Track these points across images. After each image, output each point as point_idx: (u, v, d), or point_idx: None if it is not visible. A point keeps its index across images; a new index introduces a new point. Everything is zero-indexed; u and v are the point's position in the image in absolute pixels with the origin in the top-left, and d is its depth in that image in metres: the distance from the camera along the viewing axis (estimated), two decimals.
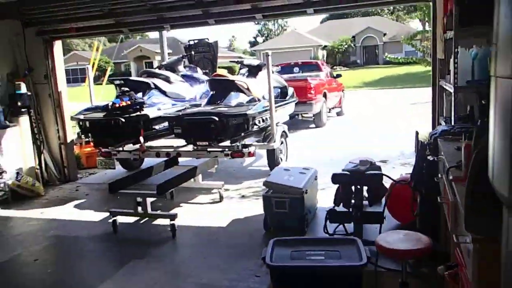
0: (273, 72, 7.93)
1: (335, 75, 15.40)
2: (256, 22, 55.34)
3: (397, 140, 9.18)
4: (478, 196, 1.79)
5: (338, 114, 15.40)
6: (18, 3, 5.26)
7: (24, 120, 7.33)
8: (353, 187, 4.60)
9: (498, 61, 1.49)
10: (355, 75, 32.24)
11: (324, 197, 5.61)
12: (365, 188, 4.71)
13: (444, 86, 4.77)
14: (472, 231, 1.86)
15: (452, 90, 4.01)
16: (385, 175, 4.64)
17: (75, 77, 40.29)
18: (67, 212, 6.38)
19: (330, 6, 6.72)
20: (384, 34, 45.02)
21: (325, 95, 13.23)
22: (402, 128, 10.44)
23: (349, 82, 25.02)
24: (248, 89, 7.20)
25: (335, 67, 39.13)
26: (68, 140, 8.03)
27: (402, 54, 29.52)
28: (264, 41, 58.77)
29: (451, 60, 3.99)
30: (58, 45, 7.96)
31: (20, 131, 7.22)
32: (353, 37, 46.27)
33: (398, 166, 7.29)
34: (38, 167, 7.53)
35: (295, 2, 6.58)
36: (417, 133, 4.11)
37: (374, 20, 48.02)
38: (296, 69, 14.82)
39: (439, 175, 3.29)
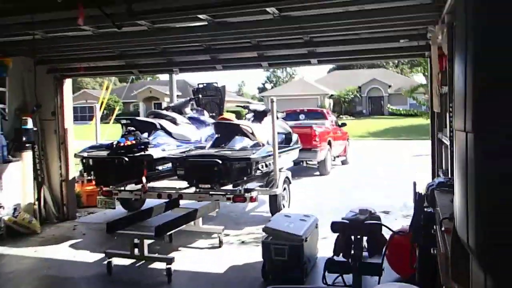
0: (278, 118, 8.01)
1: (340, 124, 15.51)
2: (265, 70, 56.46)
3: (400, 191, 9.09)
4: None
5: (343, 162, 15.39)
6: (31, 41, 5.42)
7: (27, 155, 7.31)
8: (352, 237, 4.52)
9: (455, 116, 1.68)
10: (361, 125, 32.51)
11: (326, 246, 5.46)
12: (365, 238, 4.64)
13: (442, 139, 4.90)
14: (457, 272, 1.95)
15: (448, 143, 4.12)
16: (384, 225, 4.58)
17: (83, 115, 40.85)
18: (62, 251, 6.25)
19: (332, 58, 7.08)
20: (389, 86, 45.75)
21: (330, 143, 13.27)
22: (405, 179, 10.37)
23: (355, 132, 25.19)
24: (252, 133, 7.23)
25: (341, 116, 39.52)
26: (70, 178, 8.00)
27: (406, 106, 29.80)
28: (272, 87, 59.88)
29: (447, 114, 4.14)
30: (68, 83, 8.10)
31: (22, 166, 7.17)
32: (359, 87, 47.03)
33: (400, 218, 7.18)
34: (36, 203, 7.44)
35: (300, 53, 6.78)
36: (414, 184, 4.13)
37: (380, 72, 48.98)
38: (301, 116, 14.94)
39: (435, 227, 3.29)
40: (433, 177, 5.85)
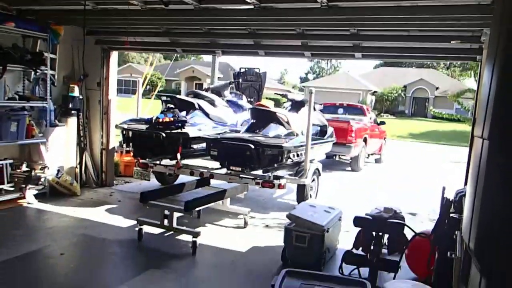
0: (315, 110, 8.06)
1: (378, 122, 15.34)
2: (308, 60, 55.98)
3: (432, 195, 9.02)
4: None
5: (377, 161, 15.24)
6: (82, 11, 5.66)
7: (72, 121, 7.73)
8: (374, 233, 4.60)
9: (476, 123, 1.68)
10: (401, 125, 31.91)
11: (347, 240, 5.57)
12: (386, 236, 4.71)
13: None
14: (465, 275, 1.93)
15: None
16: (406, 225, 4.61)
17: (127, 88, 41.89)
18: (99, 214, 6.63)
19: (378, 54, 6.90)
20: (437, 88, 44.33)
21: (365, 140, 13.18)
22: (438, 184, 10.25)
23: (394, 131, 24.82)
24: (288, 122, 7.33)
25: (381, 114, 38.89)
26: (110, 147, 8.40)
27: (452, 111, 28.93)
28: (314, 78, 59.34)
29: None
30: (114, 56, 8.43)
31: (67, 131, 7.61)
32: (405, 86, 45.76)
33: (426, 221, 7.16)
34: (78, 167, 7.89)
35: (345, 45, 6.74)
36: (443, 188, 4.10)
37: (429, 72, 47.49)
38: (340, 110, 14.89)
39: (457, 233, 3.30)
40: (465, 184, 5.79)
